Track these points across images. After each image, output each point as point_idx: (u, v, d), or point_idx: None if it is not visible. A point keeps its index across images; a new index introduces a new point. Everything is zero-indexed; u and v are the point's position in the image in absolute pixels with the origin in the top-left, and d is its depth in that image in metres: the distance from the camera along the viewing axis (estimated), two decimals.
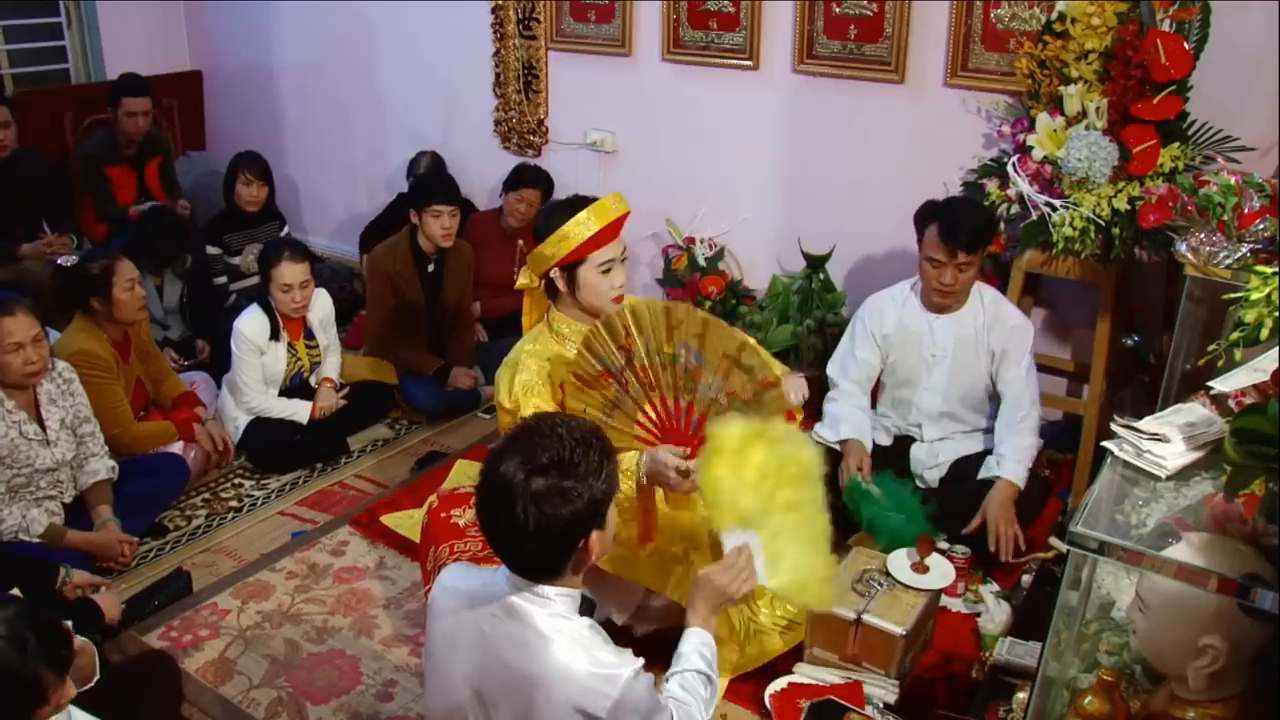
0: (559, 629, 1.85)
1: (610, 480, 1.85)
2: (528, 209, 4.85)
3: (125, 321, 3.74)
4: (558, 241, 2.67)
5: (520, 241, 4.58)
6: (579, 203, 2.73)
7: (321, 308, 4.27)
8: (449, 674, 1.95)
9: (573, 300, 2.78)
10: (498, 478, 1.79)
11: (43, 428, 3.26)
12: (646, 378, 2.56)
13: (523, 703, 1.85)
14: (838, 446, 3.41)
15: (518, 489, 1.76)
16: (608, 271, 2.73)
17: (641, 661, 1.85)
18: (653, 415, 2.61)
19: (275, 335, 4.10)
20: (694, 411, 2.56)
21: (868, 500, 3.22)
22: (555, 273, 2.74)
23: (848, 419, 3.44)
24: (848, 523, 3.38)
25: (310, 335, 4.25)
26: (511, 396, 2.72)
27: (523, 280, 2.83)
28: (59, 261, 4.33)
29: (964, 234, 3.21)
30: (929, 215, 3.31)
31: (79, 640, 2.04)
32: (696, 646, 2.08)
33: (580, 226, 2.65)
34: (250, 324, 4.05)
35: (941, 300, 3.34)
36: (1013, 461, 3.25)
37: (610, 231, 2.71)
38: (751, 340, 2.60)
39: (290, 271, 4.01)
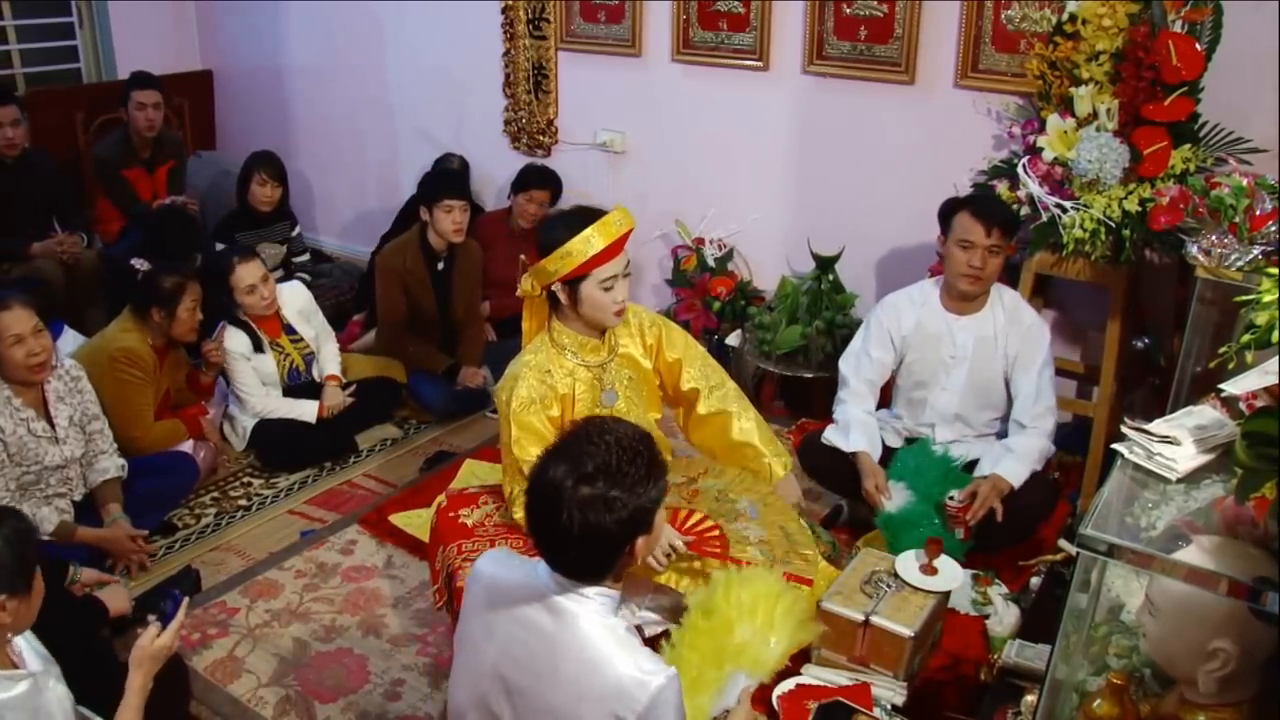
0: (596, 629, 1.85)
1: (658, 487, 1.86)
2: (537, 210, 4.85)
3: (178, 338, 3.80)
4: (561, 258, 2.65)
5: (523, 256, 4.56)
6: (583, 216, 2.71)
7: (296, 300, 4.30)
8: (479, 660, 1.96)
9: (574, 314, 2.78)
10: (545, 482, 1.81)
11: (51, 425, 3.26)
12: (689, 498, 2.68)
13: (553, 699, 1.85)
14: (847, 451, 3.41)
15: (564, 495, 1.78)
16: (610, 288, 2.73)
17: (675, 670, 1.85)
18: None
19: (259, 347, 4.11)
20: (713, 529, 2.70)
21: (901, 529, 3.22)
22: (557, 286, 2.74)
23: (857, 425, 3.44)
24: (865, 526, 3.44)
25: (291, 330, 4.26)
26: (511, 411, 2.73)
27: (524, 287, 2.83)
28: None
29: (997, 214, 3.24)
30: (957, 204, 3.34)
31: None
32: None
33: (584, 244, 2.63)
34: (228, 335, 4.07)
35: (970, 288, 3.31)
36: (1014, 461, 3.25)
37: (614, 248, 2.69)
38: (804, 525, 2.77)
39: (248, 271, 4.04)
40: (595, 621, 1.86)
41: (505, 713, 1.92)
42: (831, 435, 3.48)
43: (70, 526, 3.26)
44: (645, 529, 1.86)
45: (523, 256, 2.80)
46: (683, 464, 2.73)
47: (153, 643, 2.18)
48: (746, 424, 3.04)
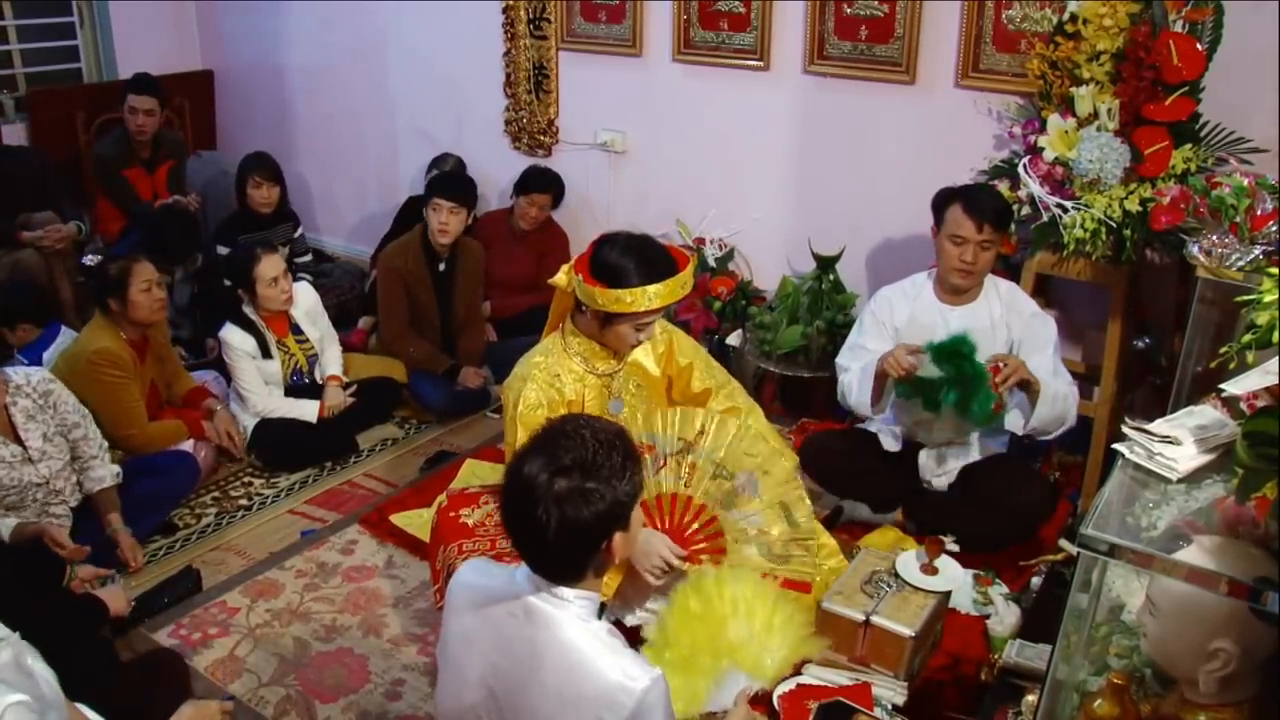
0: (578, 633, 1.84)
1: (634, 482, 1.84)
2: (538, 213, 4.86)
3: (142, 322, 3.75)
4: (614, 300, 2.62)
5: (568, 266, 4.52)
6: (653, 265, 2.64)
7: (304, 300, 4.29)
8: (463, 671, 1.95)
9: (597, 331, 2.78)
10: (521, 479, 1.79)
11: (22, 446, 3.19)
12: (687, 474, 2.58)
13: (538, 706, 1.84)
14: (871, 414, 3.37)
15: (540, 490, 1.76)
16: (641, 329, 2.74)
17: (660, 671, 1.84)
18: (664, 504, 2.65)
19: (266, 351, 4.11)
20: (710, 525, 2.63)
21: (935, 374, 3.16)
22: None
23: (870, 363, 3.36)
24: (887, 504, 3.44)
25: (298, 330, 4.25)
26: (516, 412, 2.73)
27: (560, 281, 2.81)
28: (83, 261, 4.37)
29: (989, 209, 3.23)
30: (950, 196, 3.32)
31: None
32: None
33: (644, 300, 2.61)
34: (233, 333, 4.07)
35: (961, 281, 3.31)
36: (1040, 374, 3.21)
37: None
38: (805, 496, 2.67)
39: (271, 265, 4.04)
40: (576, 626, 1.84)
41: None
42: (851, 400, 3.41)
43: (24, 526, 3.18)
44: (622, 524, 1.84)
45: (568, 267, 2.77)
46: (679, 419, 2.67)
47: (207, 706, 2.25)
48: (754, 419, 3.05)
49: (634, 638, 2.84)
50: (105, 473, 3.41)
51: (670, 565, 2.62)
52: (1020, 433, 3.29)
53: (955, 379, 3.13)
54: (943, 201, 3.32)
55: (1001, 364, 3.16)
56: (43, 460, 3.23)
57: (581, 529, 1.77)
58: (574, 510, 1.75)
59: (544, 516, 1.75)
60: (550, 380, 2.78)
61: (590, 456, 1.78)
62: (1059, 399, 3.24)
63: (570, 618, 1.85)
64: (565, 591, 1.86)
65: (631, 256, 2.63)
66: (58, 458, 3.28)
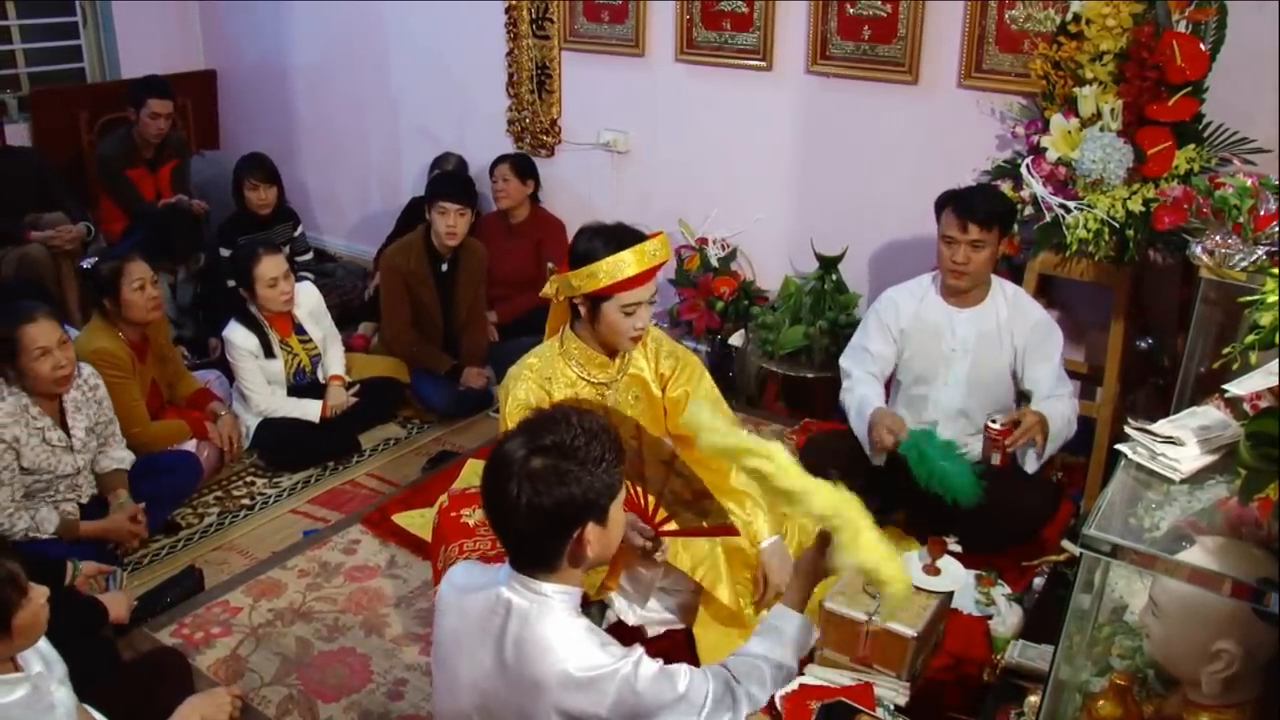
0: (559, 628, 1.84)
1: (613, 476, 1.84)
2: (503, 184, 4.87)
3: (136, 321, 3.74)
4: (588, 276, 2.62)
5: (551, 264, 4.52)
6: (621, 236, 2.66)
7: (308, 300, 4.29)
8: (455, 674, 1.95)
9: (590, 330, 2.77)
10: (499, 454, 1.82)
11: (67, 434, 3.27)
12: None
13: (523, 705, 1.84)
14: (866, 436, 3.36)
15: (514, 466, 1.78)
16: (631, 314, 2.71)
17: (641, 651, 1.85)
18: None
19: (268, 350, 4.11)
20: (650, 499, 2.57)
21: (927, 454, 3.18)
22: (579, 299, 2.73)
23: (870, 398, 3.38)
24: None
25: (301, 330, 4.25)
26: (506, 412, 2.73)
27: (547, 290, 2.81)
28: (82, 264, 4.38)
29: (978, 209, 3.23)
30: (947, 198, 3.33)
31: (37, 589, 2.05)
32: (793, 632, 2.05)
33: (615, 267, 2.60)
34: (236, 332, 4.07)
35: (956, 282, 3.31)
36: (1049, 407, 3.23)
37: (645, 275, 2.67)
38: (681, 455, 2.52)
39: (273, 265, 4.03)
40: (557, 620, 1.84)
41: None
42: (853, 423, 3.41)
43: (73, 523, 3.27)
44: (597, 516, 1.83)
45: (551, 264, 2.77)
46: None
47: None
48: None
49: (634, 638, 2.85)
50: (125, 455, 3.50)
51: (649, 549, 2.60)
52: (1031, 470, 3.31)
53: (928, 480, 3.19)
54: (941, 203, 3.34)
55: (1013, 426, 3.16)
56: (81, 451, 3.31)
57: (551, 510, 1.78)
58: (544, 488, 1.76)
59: (515, 491, 1.77)
60: (541, 382, 2.78)
61: (570, 440, 1.80)
62: (1064, 425, 3.26)
63: (551, 612, 1.85)
64: (544, 586, 1.86)
65: (599, 232, 2.70)
66: (90, 452, 3.37)
